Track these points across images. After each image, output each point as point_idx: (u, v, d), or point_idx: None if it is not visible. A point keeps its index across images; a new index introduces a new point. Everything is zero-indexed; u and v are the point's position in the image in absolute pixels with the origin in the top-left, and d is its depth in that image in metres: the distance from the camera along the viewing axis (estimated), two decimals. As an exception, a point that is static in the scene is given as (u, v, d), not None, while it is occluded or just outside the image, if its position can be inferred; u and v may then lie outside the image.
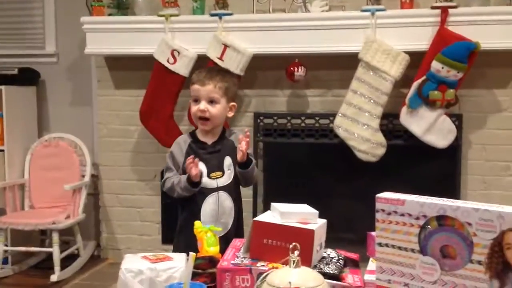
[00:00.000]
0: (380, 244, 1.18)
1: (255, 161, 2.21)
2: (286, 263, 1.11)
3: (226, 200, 2.15)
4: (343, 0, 3.46)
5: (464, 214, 1.06)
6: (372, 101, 3.22)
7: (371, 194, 1.26)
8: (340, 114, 3.28)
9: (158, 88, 3.47)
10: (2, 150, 3.75)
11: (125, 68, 3.76)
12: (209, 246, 1.52)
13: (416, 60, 3.17)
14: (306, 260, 1.23)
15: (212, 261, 1.43)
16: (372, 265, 1.34)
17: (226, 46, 3.32)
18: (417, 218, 1.12)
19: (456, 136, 3.23)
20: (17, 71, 3.82)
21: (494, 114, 3.40)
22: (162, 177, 2.29)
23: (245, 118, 3.63)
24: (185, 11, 3.53)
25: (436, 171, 3.38)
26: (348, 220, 3.39)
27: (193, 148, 2.18)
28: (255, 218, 1.43)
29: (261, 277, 1.13)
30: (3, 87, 3.72)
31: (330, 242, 1.50)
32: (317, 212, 1.42)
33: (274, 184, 3.60)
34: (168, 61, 3.41)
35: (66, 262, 3.62)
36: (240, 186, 2.25)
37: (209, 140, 2.20)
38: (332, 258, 1.41)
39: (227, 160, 2.17)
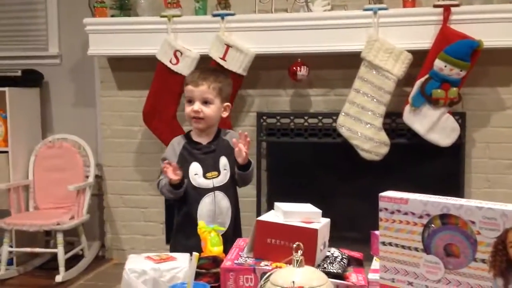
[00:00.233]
0: (383, 243, 1.18)
1: (251, 159, 2.20)
2: (289, 262, 1.11)
3: (223, 200, 2.14)
4: (345, -1, 3.46)
5: (467, 212, 1.06)
6: (375, 100, 3.22)
7: (374, 193, 1.26)
8: (343, 113, 3.27)
9: (161, 89, 3.47)
10: (6, 152, 3.75)
11: (128, 69, 3.76)
12: (212, 246, 1.52)
13: (419, 59, 3.17)
14: (309, 259, 1.23)
15: (215, 261, 1.43)
16: (376, 264, 1.34)
17: (228, 46, 3.33)
18: (421, 217, 1.12)
19: (459, 135, 3.23)
20: (20, 72, 3.83)
21: (497, 112, 3.39)
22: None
23: (248, 118, 3.63)
24: (187, 11, 3.53)
25: (440, 169, 3.38)
26: (351, 219, 3.39)
27: (187, 149, 2.18)
28: (259, 218, 1.43)
29: (265, 277, 1.13)
30: (6, 89, 3.72)
31: (334, 241, 1.50)
32: (320, 211, 1.42)
33: (278, 183, 3.60)
34: (170, 61, 3.41)
35: (70, 262, 3.63)
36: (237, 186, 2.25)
37: (204, 140, 2.20)
38: (336, 257, 1.41)
39: (223, 160, 2.16)
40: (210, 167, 2.15)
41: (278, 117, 3.51)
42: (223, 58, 3.33)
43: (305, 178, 3.55)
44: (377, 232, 1.26)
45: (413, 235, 1.13)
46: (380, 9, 3.21)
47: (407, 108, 3.21)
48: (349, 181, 3.52)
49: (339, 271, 1.32)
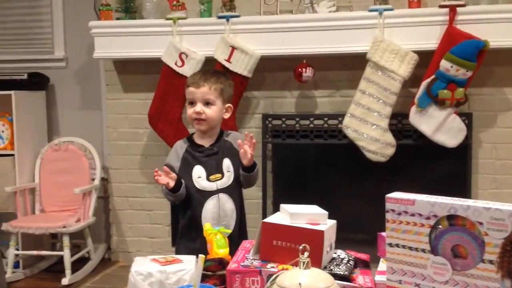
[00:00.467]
0: (390, 245, 1.17)
1: (256, 161, 2.19)
2: (296, 264, 1.11)
3: (227, 202, 2.13)
4: (351, 0, 3.45)
5: (475, 213, 1.05)
6: (380, 101, 3.21)
7: (380, 194, 1.26)
8: (348, 115, 3.27)
9: (167, 91, 3.48)
10: (13, 155, 3.77)
11: (134, 71, 3.77)
12: (218, 248, 1.52)
13: (425, 59, 3.16)
14: (316, 261, 1.23)
15: (221, 263, 1.43)
16: (382, 265, 1.33)
17: (233, 48, 3.33)
18: (428, 218, 1.11)
19: (466, 135, 3.22)
20: (26, 76, 3.84)
21: (504, 113, 3.38)
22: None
23: (253, 119, 3.63)
24: (192, 14, 3.53)
25: (446, 170, 3.37)
26: (358, 221, 3.38)
27: (190, 152, 2.18)
28: (265, 220, 1.42)
29: (271, 279, 1.13)
30: (12, 92, 3.74)
31: (340, 243, 1.50)
32: (326, 213, 1.42)
33: (283, 185, 3.60)
34: (176, 64, 3.42)
35: (77, 265, 3.64)
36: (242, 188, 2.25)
37: (206, 143, 2.19)
38: (342, 259, 1.40)
39: (226, 162, 2.16)
40: (213, 169, 2.14)
41: (283, 119, 3.51)
42: (228, 60, 3.33)
43: (310, 179, 3.54)
44: (383, 234, 1.26)
45: (420, 236, 1.13)
46: (385, 9, 3.20)
47: (413, 109, 3.20)
48: (355, 183, 3.51)
49: (346, 273, 1.32)
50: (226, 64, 3.33)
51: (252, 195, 3.35)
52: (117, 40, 3.55)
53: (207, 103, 2.15)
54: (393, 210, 1.16)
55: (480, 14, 3.14)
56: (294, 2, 3.39)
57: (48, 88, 4.12)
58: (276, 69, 3.55)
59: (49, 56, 4.12)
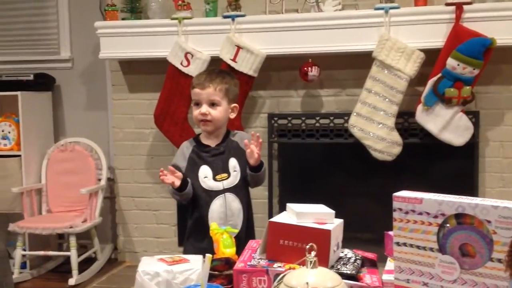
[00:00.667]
0: (398, 244, 1.17)
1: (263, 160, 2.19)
2: (303, 263, 1.10)
3: (234, 202, 2.13)
4: (356, -2, 3.45)
5: (483, 211, 1.05)
6: (387, 99, 3.20)
7: (387, 193, 1.25)
8: (354, 114, 3.26)
9: (172, 91, 3.48)
10: (19, 155, 3.78)
11: (139, 71, 3.78)
12: (225, 247, 1.52)
13: (431, 58, 3.15)
14: (323, 260, 1.22)
15: (228, 262, 1.43)
16: (390, 264, 1.33)
17: (239, 47, 3.33)
18: (435, 217, 1.11)
19: (473, 134, 3.20)
20: (32, 76, 3.85)
21: (511, 111, 3.36)
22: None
23: (259, 119, 3.63)
24: (198, 13, 3.53)
25: (453, 169, 3.35)
26: (364, 220, 3.37)
27: (196, 152, 2.18)
28: (271, 219, 1.42)
29: (278, 278, 1.13)
30: (19, 93, 3.75)
31: (347, 242, 1.49)
32: (333, 212, 1.41)
33: (290, 184, 3.60)
34: (181, 64, 3.42)
35: (83, 265, 3.65)
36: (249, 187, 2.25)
37: (212, 143, 2.19)
38: (350, 258, 1.40)
39: (232, 162, 2.16)
40: (220, 169, 2.14)
41: (289, 118, 3.50)
42: (233, 60, 3.33)
43: (317, 179, 3.54)
44: (391, 233, 1.25)
45: (428, 235, 1.12)
46: (391, 8, 3.19)
47: (420, 108, 3.19)
48: (362, 182, 3.51)
49: (353, 272, 1.31)
50: (232, 64, 3.33)
51: (258, 194, 3.35)
52: (123, 40, 3.55)
53: (213, 104, 2.15)
54: (400, 209, 1.15)
55: (486, 11, 3.12)
56: (300, 1, 3.38)
57: (54, 88, 4.13)
58: (282, 68, 3.55)
59: (55, 57, 4.13)
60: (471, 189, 3.27)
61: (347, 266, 1.34)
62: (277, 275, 1.20)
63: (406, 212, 1.14)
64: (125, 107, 3.83)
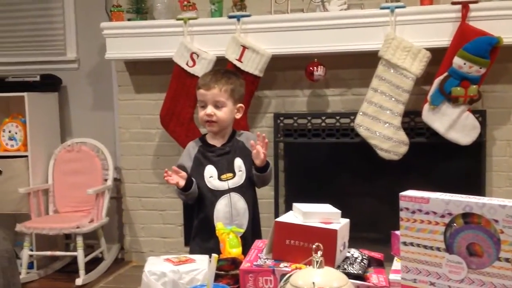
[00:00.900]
0: (405, 243, 1.16)
1: (269, 161, 2.19)
2: (309, 263, 1.10)
3: (239, 201, 2.14)
4: (362, -2, 3.44)
5: (490, 211, 1.04)
6: (393, 99, 3.19)
7: (394, 192, 1.25)
8: (361, 113, 3.25)
9: (178, 91, 3.48)
10: (26, 156, 3.79)
11: (145, 72, 3.78)
12: (231, 247, 1.52)
13: (437, 57, 3.14)
14: (329, 260, 1.22)
15: (234, 262, 1.43)
16: (397, 264, 1.32)
17: (244, 47, 3.32)
18: (443, 216, 1.10)
19: (479, 133, 3.19)
20: (39, 77, 3.87)
21: (518, 110, 3.35)
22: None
23: (265, 119, 3.63)
24: (203, 14, 3.54)
25: (460, 168, 3.34)
26: (371, 219, 3.37)
27: (202, 152, 2.19)
28: (277, 219, 1.42)
29: (285, 278, 1.12)
30: (25, 94, 3.76)
31: (354, 242, 1.49)
32: (339, 211, 1.41)
33: (296, 184, 3.59)
34: (187, 64, 3.42)
35: (90, 265, 3.66)
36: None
37: (218, 143, 2.20)
38: (356, 258, 1.39)
39: (238, 161, 2.16)
40: (225, 169, 2.15)
41: (295, 118, 3.50)
42: (239, 60, 3.33)
43: (323, 178, 3.53)
44: (397, 232, 1.25)
45: (435, 234, 1.11)
46: (397, 7, 3.18)
47: (426, 107, 3.18)
48: (368, 181, 3.50)
49: (360, 272, 1.31)
50: (237, 64, 3.33)
51: (264, 194, 3.35)
52: (129, 41, 3.56)
53: (218, 105, 2.15)
54: (407, 208, 1.15)
55: (493, 10, 3.11)
56: (305, 1, 3.38)
57: (61, 89, 4.15)
58: (288, 68, 3.55)
59: (61, 58, 4.14)
60: (478, 189, 3.26)
61: (354, 266, 1.33)
62: (283, 275, 1.20)
63: (413, 212, 1.14)
64: (131, 107, 3.84)
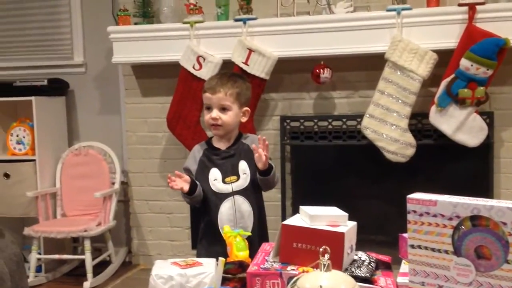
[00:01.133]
0: (412, 246, 1.16)
1: (273, 164, 2.18)
2: (316, 266, 1.10)
3: (243, 204, 2.14)
4: (368, 0, 3.43)
5: (498, 213, 1.04)
6: (400, 101, 3.18)
7: (401, 195, 1.25)
8: (367, 115, 3.24)
9: (185, 95, 3.49)
10: (34, 160, 3.81)
11: (152, 75, 3.79)
12: (238, 250, 1.52)
13: (444, 58, 3.13)
14: (336, 263, 1.22)
15: (241, 265, 1.43)
16: (404, 267, 1.32)
17: (251, 50, 3.33)
18: (450, 219, 1.10)
19: (487, 134, 3.17)
20: (46, 82, 3.88)
21: (526, 111, 3.33)
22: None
23: (271, 121, 3.62)
24: (209, 17, 3.54)
25: (468, 170, 3.33)
26: (378, 222, 3.36)
27: (207, 155, 2.20)
28: (284, 222, 1.42)
29: (292, 281, 1.12)
30: (33, 98, 3.78)
31: (361, 244, 1.48)
32: (346, 214, 1.41)
33: (302, 187, 3.59)
34: (193, 67, 3.43)
35: (98, 269, 3.66)
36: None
37: (223, 146, 2.21)
38: (364, 261, 1.39)
39: (242, 164, 2.16)
40: (229, 171, 2.15)
41: (301, 120, 3.50)
42: (245, 63, 3.34)
43: (330, 181, 3.53)
44: (405, 235, 1.25)
45: (442, 237, 1.11)
46: (403, 9, 3.18)
47: (433, 109, 3.17)
48: (375, 184, 3.49)
49: (367, 275, 1.30)
50: (244, 67, 3.33)
51: (271, 197, 3.35)
52: (135, 45, 3.57)
53: (223, 109, 2.15)
54: (414, 211, 1.15)
55: (500, 12, 3.09)
56: (311, 4, 3.38)
57: (68, 93, 4.16)
58: (294, 71, 3.54)
59: (68, 62, 4.16)
60: (486, 191, 3.24)
61: (361, 269, 1.33)
62: (291, 278, 1.19)
63: (421, 214, 1.14)
64: (138, 111, 3.85)
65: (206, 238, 2.19)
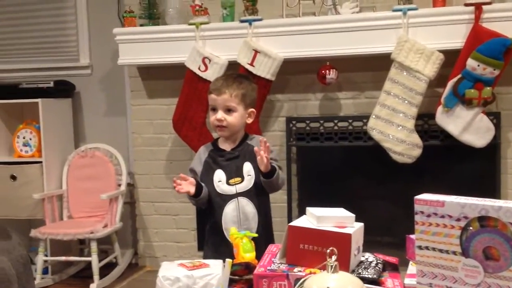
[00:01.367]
0: (420, 247, 1.15)
1: (278, 165, 2.17)
2: (323, 268, 1.10)
3: (247, 206, 2.13)
4: (374, 0, 3.42)
5: (507, 214, 1.03)
6: (406, 101, 3.17)
7: (408, 196, 1.24)
8: (373, 116, 3.24)
9: (190, 96, 3.49)
10: (40, 162, 3.82)
11: (158, 77, 3.80)
12: (245, 252, 1.52)
13: (451, 59, 3.11)
14: (343, 264, 1.21)
15: (248, 267, 1.42)
16: (412, 268, 1.31)
17: (256, 51, 3.32)
18: (458, 220, 1.09)
19: (494, 135, 3.16)
20: (52, 84, 3.89)
21: (533, 111, 3.32)
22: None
23: (277, 122, 3.62)
24: (215, 18, 3.54)
25: (475, 171, 3.31)
26: (385, 223, 3.35)
27: (212, 156, 2.20)
28: (291, 223, 1.41)
29: (299, 283, 1.12)
30: (39, 100, 3.79)
31: (368, 246, 1.48)
32: (353, 215, 1.40)
33: (309, 188, 3.58)
34: (199, 68, 3.43)
35: (105, 270, 3.67)
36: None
37: (228, 147, 2.21)
38: (371, 262, 1.39)
39: (247, 166, 2.15)
40: (233, 173, 2.15)
41: (307, 122, 3.49)
42: (251, 64, 3.33)
43: (336, 182, 3.52)
44: (412, 236, 1.24)
45: (450, 238, 1.10)
46: (409, 9, 3.17)
47: (440, 109, 3.16)
48: (382, 185, 3.48)
49: (374, 276, 1.30)
50: (249, 68, 3.33)
51: (277, 198, 3.34)
52: (141, 47, 3.58)
53: (229, 110, 2.15)
54: (422, 212, 1.14)
55: (506, 11, 3.08)
56: (317, 4, 3.37)
57: (74, 95, 4.18)
58: (300, 72, 3.54)
59: (74, 64, 4.18)
60: (493, 191, 3.22)
61: (369, 270, 1.32)
62: (298, 279, 1.19)
63: (428, 215, 1.13)
64: (144, 112, 3.85)
65: (212, 239, 2.19)
